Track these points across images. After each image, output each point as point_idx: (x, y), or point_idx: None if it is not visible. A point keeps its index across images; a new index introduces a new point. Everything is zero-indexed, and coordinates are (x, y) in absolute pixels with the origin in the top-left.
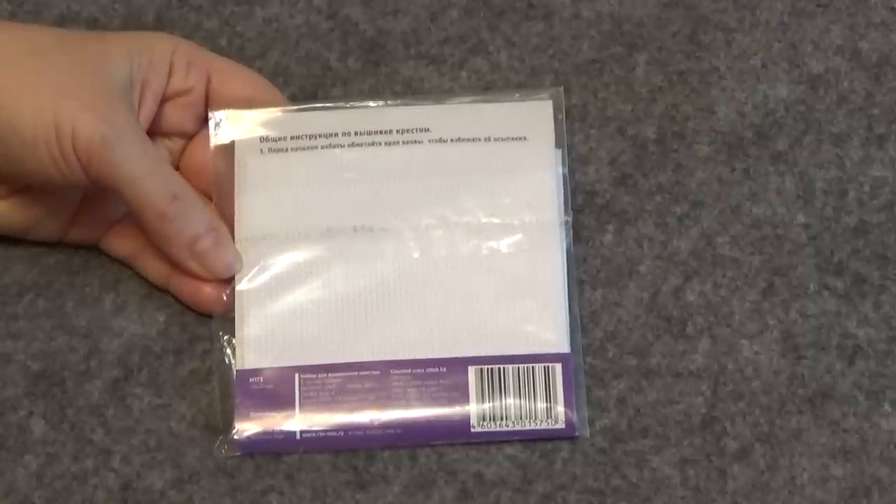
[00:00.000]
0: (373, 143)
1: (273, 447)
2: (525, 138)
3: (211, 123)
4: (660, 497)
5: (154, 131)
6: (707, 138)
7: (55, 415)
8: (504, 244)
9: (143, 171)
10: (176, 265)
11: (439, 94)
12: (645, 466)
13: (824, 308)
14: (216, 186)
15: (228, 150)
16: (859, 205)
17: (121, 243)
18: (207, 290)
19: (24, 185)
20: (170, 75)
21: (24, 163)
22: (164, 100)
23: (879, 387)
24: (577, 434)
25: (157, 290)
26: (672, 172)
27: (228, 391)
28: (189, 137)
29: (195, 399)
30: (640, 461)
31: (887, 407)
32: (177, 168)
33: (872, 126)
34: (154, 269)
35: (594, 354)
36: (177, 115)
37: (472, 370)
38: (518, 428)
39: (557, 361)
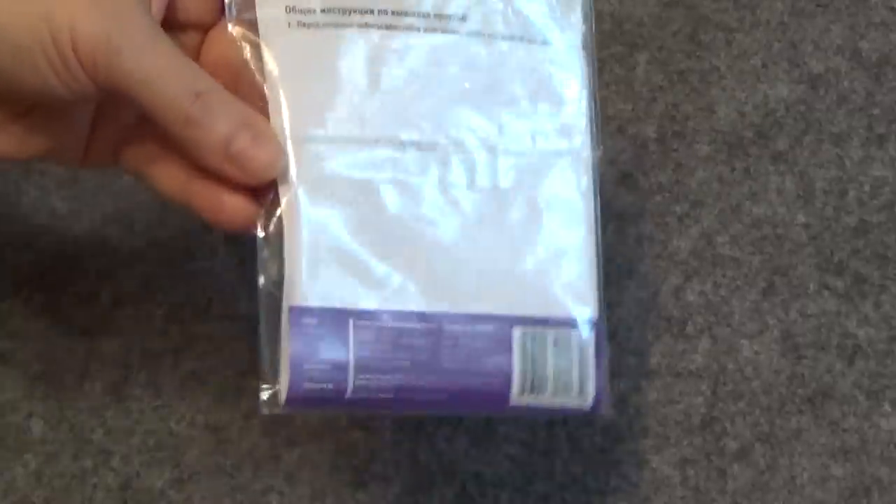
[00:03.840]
0: (410, 27)
1: (321, 405)
2: (553, 43)
3: None
4: (660, 497)
5: (166, 24)
6: (707, 138)
7: (54, 415)
8: (545, 182)
9: (158, 70)
10: (210, 174)
11: None
12: (645, 466)
13: (824, 308)
14: (239, 78)
15: (251, 27)
16: (859, 205)
17: (133, 155)
18: (231, 202)
19: (29, 106)
20: None
21: (20, 76)
22: None
23: (879, 387)
24: (602, 412)
25: (156, 283)
26: (672, 172)
27: (274, 330)
28: (207, 29)
29: (195, 399)
30: (640, 461)
31: (887, 407)
32: None
33: (872, 126)
34: (168, 179)
35: None
36: (193, 3)
37: (517, 332)
38: (550, 404)
39: (591, 329)
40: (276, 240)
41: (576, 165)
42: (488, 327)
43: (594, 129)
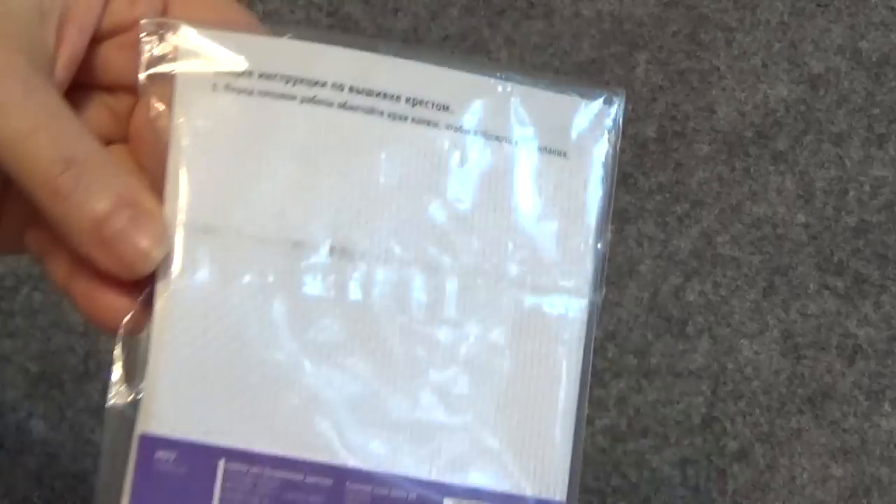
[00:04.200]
0: (372, 111)
1: None
2: (566, 155)
3: (142, 41)
4: (660, 497)
5: (87, 82)
6: (707, 138)
7: (54, 415)
8: (522, 325)
9: (27, 128)
10: (84, 261)
11: (474, 62)
12: (645, 466)
13: (824, 308)
14: (146, 143)
15: (165, 83)
16: (859, 204)
17: (31, 238)
18: (105, 298)
19: None
20: (107, 2)
21: None
22: (98, 38)
23: (879, 387)
24: None
25: None
26: (672, 172)
27: (119, 463)
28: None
29: None
30: (640, 461)
31: (887, 407)
32: (122, 136)
33: (873, 126)
34: (54, 267)
35: (594, 354)
36: (119, 60)
37: None
38: None
39: None
40: (142, 349)
41: (568, 310)
42: (408, 494)
43: (600, 268)
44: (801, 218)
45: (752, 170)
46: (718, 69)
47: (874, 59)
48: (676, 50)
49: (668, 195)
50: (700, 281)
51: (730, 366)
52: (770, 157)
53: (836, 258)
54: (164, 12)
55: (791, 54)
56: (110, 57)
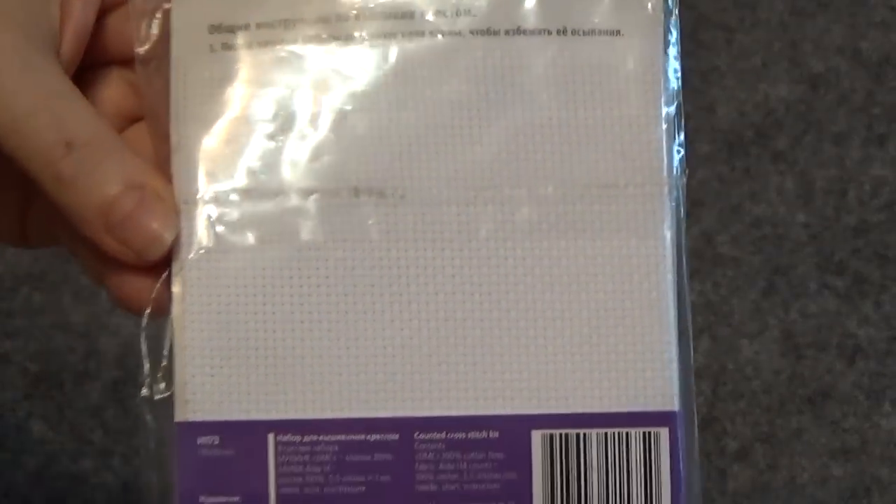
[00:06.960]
0: (385, 35)
1: None
2: (619, 33)
3: (133, 13)
4: None
5: (102, 58)
6: (707, 137)
7: (54, 415)
8: (592, 236)
9: (27, 110)
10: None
11: None
12: None
13: (825, 307)
14: (156, 119)
15: (162, 53)
16: (860, 204)
17: (62, 232)
18: (134, 284)
19: None
20: None
21: None
22: (106, 8)
23: (879, 387)
24: None
25: None
26: None
27: (161, 456)
28: None
29: None
30: None
31: (887, 407)
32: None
33: (873, 125)
34: (86, 258)
35: None
36: (130, 31)
37: (537, 437)
38: None
39: (662, 425)
40: (169, 333)
41: (648, 204)
42: (489, 434)
43: (679, 148)
44: (801, 218)
45: (752, 169)
46: (718, 69)
47: (874, 59)
48: None
49: None
50: (700, 281)
51: (730, 366)
52: (770, 157)
53: (836, 258)
54: None
55: (791, 54)
56: (120, 28)
